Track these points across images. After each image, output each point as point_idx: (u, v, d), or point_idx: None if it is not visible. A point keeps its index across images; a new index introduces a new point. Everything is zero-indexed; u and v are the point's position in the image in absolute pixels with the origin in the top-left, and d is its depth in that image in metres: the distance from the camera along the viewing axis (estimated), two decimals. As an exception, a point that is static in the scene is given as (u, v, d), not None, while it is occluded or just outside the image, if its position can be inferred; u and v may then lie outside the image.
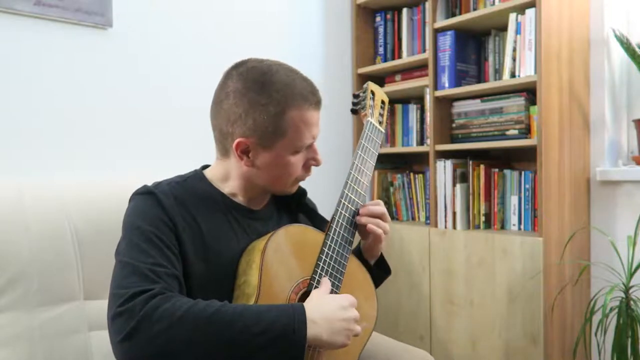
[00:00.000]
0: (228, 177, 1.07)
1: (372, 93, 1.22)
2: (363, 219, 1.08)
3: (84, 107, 1.61)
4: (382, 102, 1.26)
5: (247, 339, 0.83)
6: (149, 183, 1.05)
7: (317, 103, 1.03)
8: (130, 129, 1.70)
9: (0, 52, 1.46)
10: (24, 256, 1.17)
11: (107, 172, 1.63)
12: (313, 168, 1.10)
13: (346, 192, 1.08)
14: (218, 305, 0.86)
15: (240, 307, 0.87)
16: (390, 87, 2.25)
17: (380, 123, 1.21)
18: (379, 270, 1.19)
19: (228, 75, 1.03)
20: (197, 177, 1.08)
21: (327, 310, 0.91)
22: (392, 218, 2.33)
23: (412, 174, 2.26)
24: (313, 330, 0.87)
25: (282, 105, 0.98)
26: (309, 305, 0.90)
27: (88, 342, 1.22)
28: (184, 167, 1.14)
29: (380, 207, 1.10)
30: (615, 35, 1.79)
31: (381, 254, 1.19)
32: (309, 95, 1.01)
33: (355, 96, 1.23)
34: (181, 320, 0.82)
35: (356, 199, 1.10)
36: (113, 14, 1.64)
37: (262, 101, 0.98)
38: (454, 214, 1.97)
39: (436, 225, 2.03)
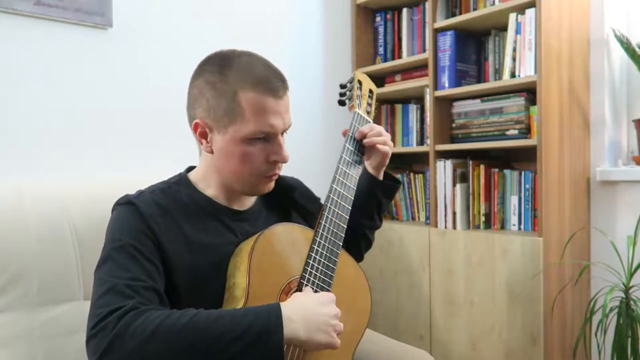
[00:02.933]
0: (207, 174, 1.06)
1: (359, 82, 1.20)
2: (370, 140, 1.13)
3: (84, 107, 1.61)
4: (370, 91, 1.23)
5: (224, 347, 0.81)
6: (147, 184, 1.04)
7: (275, 89, 0.97)
8: (131, 128, 1.70)
9: (0, 51, 1.46)
10: (24, 256, 1.17)
11: (107, 172, 1.63)
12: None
13: (335, 186, 1.08)
14: (191, 315, 0.83)
15: (215, 313, 0.84)
16: (390, 87, 2.25)
17: (368, 113, 1.20)
18: (389, 181, 1.23)
19: (200, 63, 1.05)
20: (182, 182, 1.06)
21: (304, 307, 0.88)
22: (392, 218, 2.33)
23: (412, 174, 2.26)
24: (289, 328, 0.84)
25: (234, 86, 0.96)
26: (286, 304, 0.88)
27: (88, 342, 1.22)
28: (185, 166, 1.14)
29: (380, 129, 1.15)
30: (615, 35, 1.79)
31: (385, 171, 1.23)
32: (266, 81, 0.97)
33: (342, 87, 1.21)
34: (154, 335, 0.80)
35: (346, 194, 1.09)
36: (113, 14, 1.64)
37: (216, 79, 0.97)
38: (454, 214, 1.97)
39: (436, 225, 2.02)
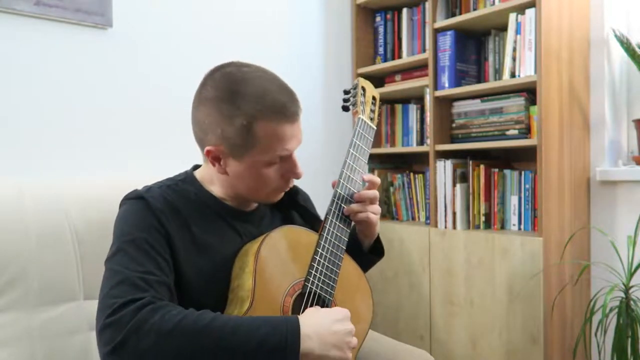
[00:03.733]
0: (214, 179, 1.06)
1: (363, 89, 1.22)
2: (353, 207, 1.08)
3: (84, 107, 1.61)
4: (373, 97, 1.25)
5: (238, 357, 0.82)
6: (146, 184, 1.04)
7: (291, 116, 0.97)
8: (131, 128, 1.70)
9: (0, 51, 1.46)
10: (24, 256, 1.17)
11: (107, 172, 1.63)
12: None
13: (339, 190, 1.08)
14: (209, 319, 0.83)
15: (233, 321, 0.84)
16: (390, 87, 2.25)
17: (371, 119, 1.21)
18: (372, 255, 1.20)
19: (205, 80, 1.01)
20: (188, 180, 1.06)
21: (320, 324, 0.89)
22: (392, 218, 2.33)
23: (412, 174, 2.26)
24: (305, 345, 0.85)
25: (250, 118, 0.94)
26: (304, 320, 0.88)
27: (88, 342, 1.22)
28: (185, 166, 1.14)
29: (373, 192, 1.11)
30: (615, 35, 1.79)
31: (378, 235, 1.19)
32: (282, 109, 0.96)
33: (345, 92, 1.22)
34: (170, 334, 0.80)
35: (349, 198, 1.09)
36: (113, 14, 1.64)
37: (231, 112, 0.95)
38: (454, 214, 1.97)
39: (436, 225, 2.02)
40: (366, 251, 1.19)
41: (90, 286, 1.26)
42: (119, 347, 0.79)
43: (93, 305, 1.24)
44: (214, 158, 1.00)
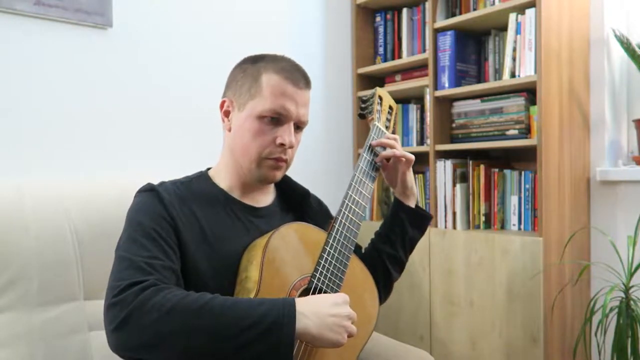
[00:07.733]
0: (224, 167, 1.11)
1: (380, 98, 1.24)
2: (381, 156, 1.16)
3: (84, 107, 1.61)
4: (390, 107, 1.27)
5: (236, 333, 0.83)
6: (153, 182, 1.06)
7: (296, 80, 1.05)
8: (130, 128, 1.70)
9: (0, 51, 1.46)
10: (24, 256, 1.17)
11: (107, 172, 1.63)
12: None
13: (350, 193, 1.10)
14: (208, 298, 0.86)
15: (231, 300, 0.87)
16: (390, 87, 2.25)
17: (387, 128, 1.23)
18: (419, 211, 1.23)
19: None
20: (202, 178, 1.11)
21: (318, 305, 0.90)
22: (392, 218, 2.33)
23: (412, 174, 2.26)
24: (302, 323, 0.86)
25: (260, 70, 1.06)
26: (301, 300, 0.89)
27: (88, 342, 1.23)
28: (185, 166, 1.15)
29: (391, 140, 1.17)
30: (615, 35, 1.79)
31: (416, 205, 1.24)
32: (289, 71, 1.05)
33: (363, 101, 1.24)
34: (170, 312, 0.83)
35: (360, 200, 1.12)
36: (113, 14, 1.64)
37: (248, 66, 1.08)
38: (454, 214, 1.97)
39: (436, 225, 2.02)
40: (415, 207, 1.23)
41: (90, 286, 1.26)
42: (122, 324, 0.83)
43: (93, 305, 1.26)
44: (224, 113, 1.10)
